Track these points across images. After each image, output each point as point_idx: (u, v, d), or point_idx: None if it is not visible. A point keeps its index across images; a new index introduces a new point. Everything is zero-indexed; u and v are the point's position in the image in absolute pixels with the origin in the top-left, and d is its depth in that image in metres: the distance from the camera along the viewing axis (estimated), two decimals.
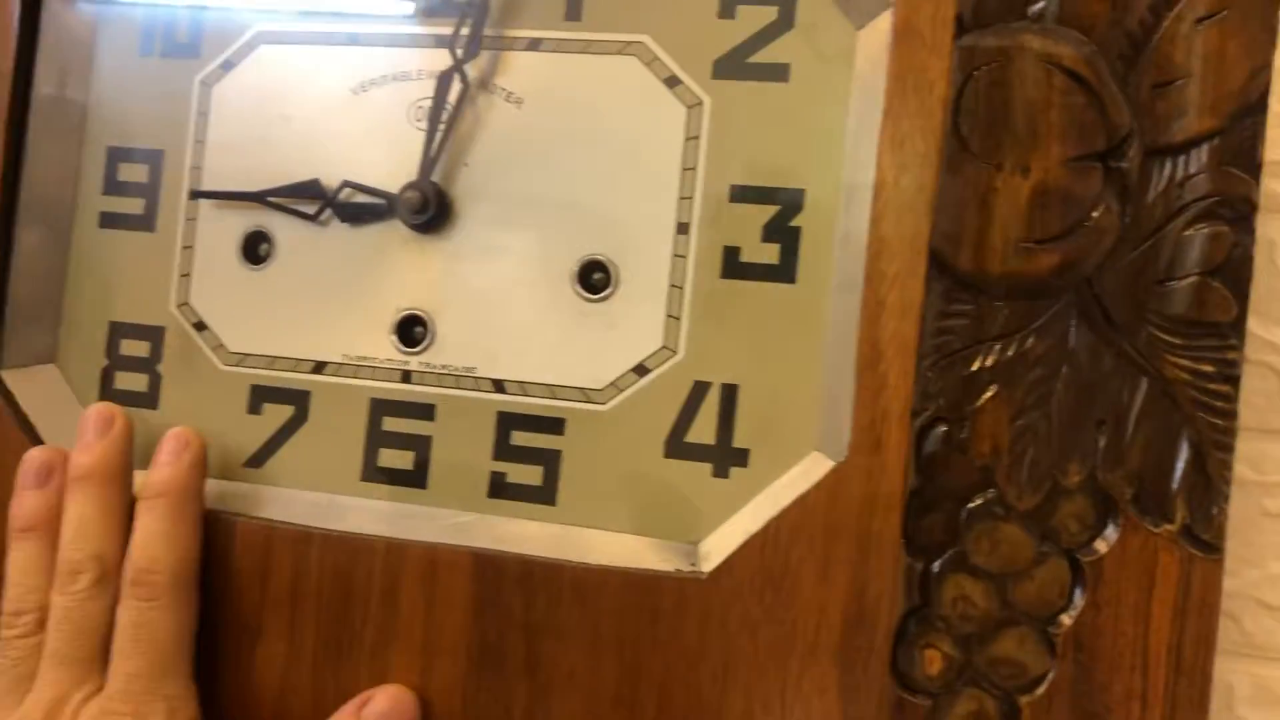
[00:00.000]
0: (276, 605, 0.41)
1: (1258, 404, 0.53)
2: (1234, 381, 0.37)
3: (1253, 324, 0.53)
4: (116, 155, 0.46)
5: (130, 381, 0.46)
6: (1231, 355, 0.37)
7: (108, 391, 0.46)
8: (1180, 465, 0.37)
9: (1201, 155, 0.37)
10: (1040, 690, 0.37)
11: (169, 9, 0.46)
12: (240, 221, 0.45)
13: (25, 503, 0.41)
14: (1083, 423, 0.37)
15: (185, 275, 0.46)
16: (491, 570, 0.40)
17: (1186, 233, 0.37)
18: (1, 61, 0.45)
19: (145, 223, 0.46)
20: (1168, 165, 0.37)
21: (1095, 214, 0.37)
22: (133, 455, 0.42)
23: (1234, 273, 0.37)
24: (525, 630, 0.39)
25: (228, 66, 0.46)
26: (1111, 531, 0.37)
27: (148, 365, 0.46)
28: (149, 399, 0.45)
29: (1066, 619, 0.37)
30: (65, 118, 0.46)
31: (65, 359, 0.47)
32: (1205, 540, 0.37)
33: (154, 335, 0.46)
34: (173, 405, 0.45)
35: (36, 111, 0.46)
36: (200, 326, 0.45)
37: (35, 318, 0.46)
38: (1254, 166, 0.37)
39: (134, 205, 0.46)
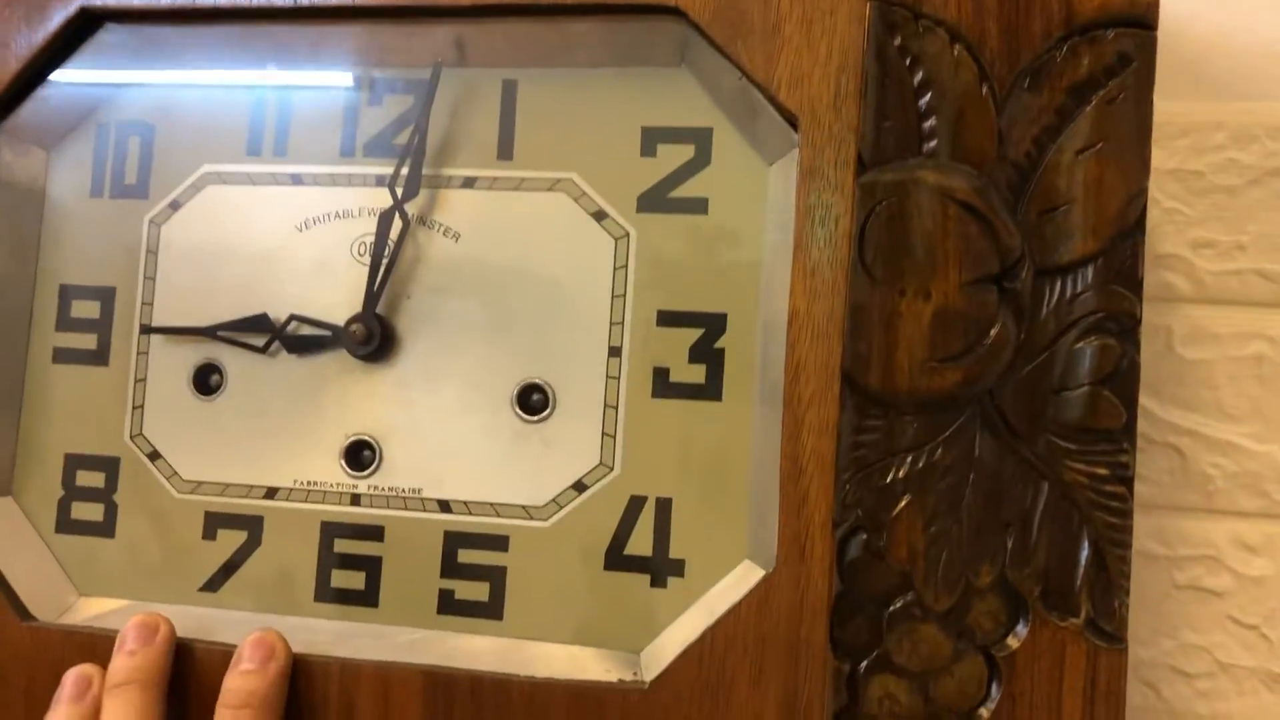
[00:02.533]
0: None
1: (1164, 482, 0.57)
2: (1128, 483, 0.40)
3: (1155, 407, 0.57)
4: (69, 293, 0.48)
5: (87, 511, 0.47)
6: (1124, 459, 0.40)
7: (65, 522, 0.47)
8: (1082, 562, 0.40)
9: (1087, 274, 0.40)
10: None
11: (118, 152, 0.48)
12: (191, 354, 0.47)
13: (61, 716, 0.41)
14: (991, 526, 0.40)
15: (138, 407, 0.47)
16: (442, 687, 0.41)
17: (1077, 346, 0.40)
18: None
19: (98, 357, 0.48)
20: (1057, 284, 0.40)
21: (993, 331, 0.40)
22: (171, 664, 0.42)
23: (1122, 381, 0.40)
24: None
25: (175, 206, 0.48)
26: (1022, 628, 0.40)
27: (104, 495, 0.47)
28: (105, 528, 0.47)
29: (985, 712, 0.39)
30: (18, 258, 0.48)
31: (21, 491, 0.48)
32: (1108, 631, 0.40)
33: (109, 466, 0.47)
34: (129, 533, 0.47)
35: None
36: (154, 456, 0.47)
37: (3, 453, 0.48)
38: (1135, 283, 0.40)
39: (87, 341, 0.48)
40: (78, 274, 0.48)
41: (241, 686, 0.41)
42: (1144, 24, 0.40)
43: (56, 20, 0.46)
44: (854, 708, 0.40)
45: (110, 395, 0.48)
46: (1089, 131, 0.40)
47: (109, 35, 0.46)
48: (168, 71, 0.48)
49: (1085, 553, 0.40)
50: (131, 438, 0.47)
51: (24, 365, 0.48)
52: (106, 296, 0.48)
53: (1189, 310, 0.58)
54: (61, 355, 0.48)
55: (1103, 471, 0.40)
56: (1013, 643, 0.40)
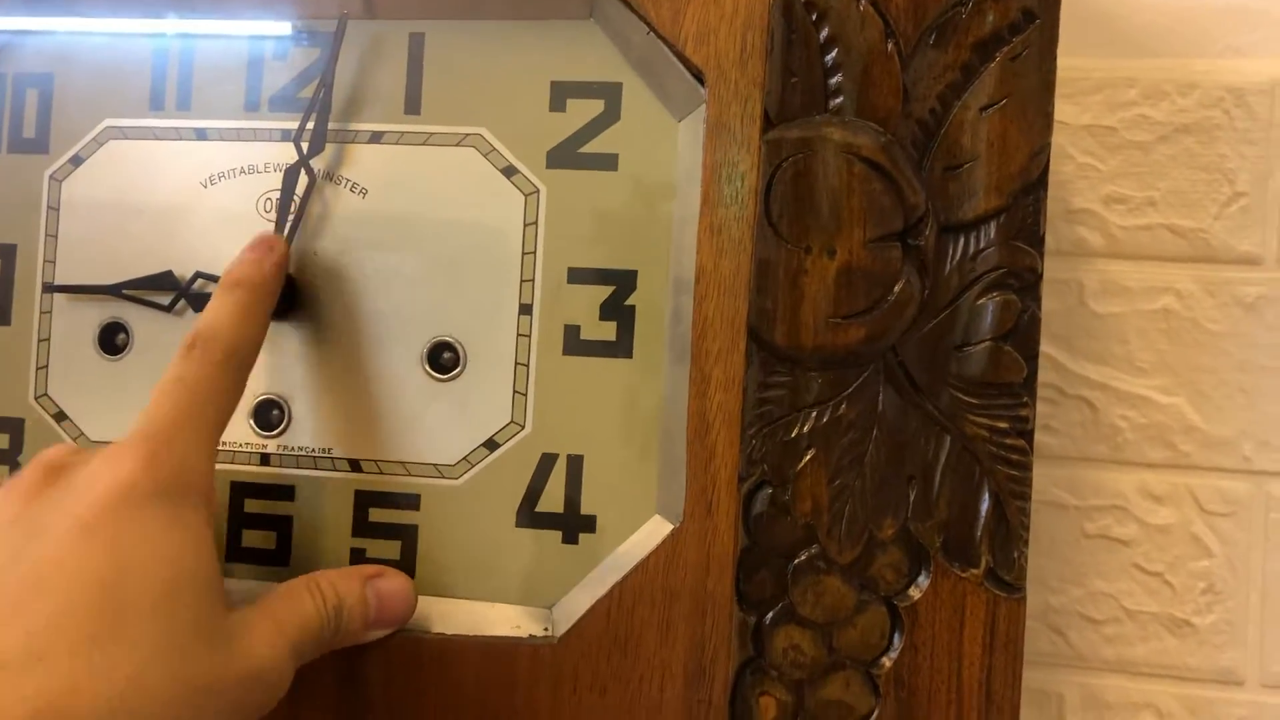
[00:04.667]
0: None
1: (1075, 434, 0.58)
2: (1028, 436, 0.41)
3: (1066, 360, 0.58)
4: None
5: None
6: (1023, 412, 0.41)
7: None
8: (983, 514, 0.41)
9: (990, 231, 0.41)
10: None
11: (15, 104, 0.47)
12: (96, 313, 0.46)
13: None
14: (894, 480, 0.41)
15: (43, 367, 0.46)
16: (353, 645, 0.41)
17: (979, 302, 0.41)
18: None
19: (0, 317, 0.47)
20: (961, 241, 0.41)
21: (896, 288, 0.40)
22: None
23: (1023, 336, 0.41)
24: (387, 704, 0.41)
25: (77, 161, 0.47)
26: (924, 579, 0.40)
27: (8, 457, 0.46)
28: None
29: (887, 661, 0.40)
30: None
31: None
32: (1007, 581, 0.41)
33: (14, 427, 0.46)
34: None
35: None
36: (60, 417, 0.46)
37: None
38: (1037, 239, 0.41)
39: None
40: None
41: (238, 272, 0.41)
42: None
43: None
44: (759, 659, 0.40)
45: (13, 355, 0.47)
46: (993, 88, 0.40)
47: None
48: (66, 19, 0.47)
49: (986, 505, 0.41)
50: (36, 398, 0.46)
51: None
52: (7, 254, 0.47)
53: (1101, 265, 0.59)
54: None
55: (1003, 425, 0.41)
56: (914, 594, 0.40)
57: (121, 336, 0.46)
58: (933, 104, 0.41)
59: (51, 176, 0.47)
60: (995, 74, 0.41)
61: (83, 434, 0.46)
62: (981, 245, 0.41)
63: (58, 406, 0.46)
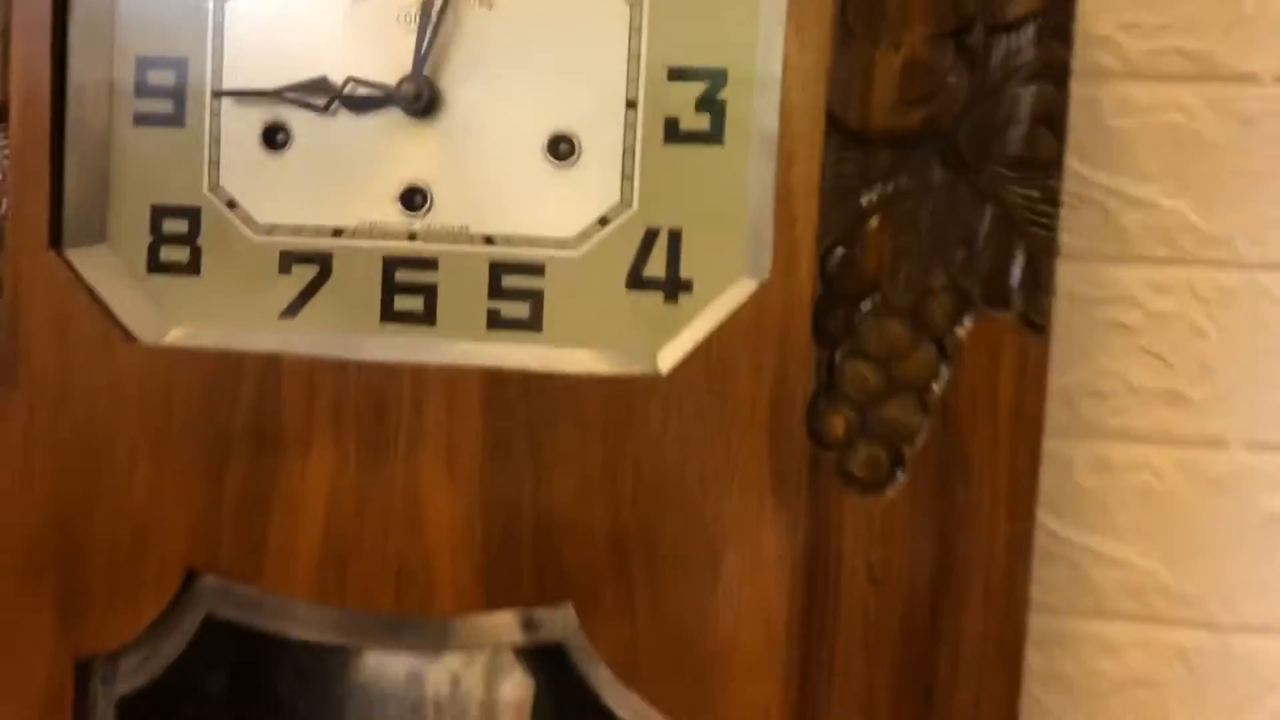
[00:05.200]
0: (323, 423, 0.52)
1: (1090, 233, 0.67)
2: (1055, 203, 0.49)
3: (1085, 170, 0.66)
4: (145, 64, 0.55)
5: (174, 254, 0.55)
6: (1053, 184, 0.49)
7: (154, 264, 0.55)
8: (1017, 269, 0.49)
9: (1029, 30, 0.49)
10: (919, 441, 0.49)
11: None
12: (259, 115, 0.54)
13: None
14: (945, 240, 0.49)
15: (214, 162, 0.55)
16: (498, 383, 0.50)
17: (1018, 90, 0.49)
18: None
19: (175, 120, 0.55)
20: (1004, 40, 0.49)
21: (950, 79, 0.48)
22: None
23: (1055, 121, 0.49)
24: (528, 426, 0.50)
25: None
26: (968, 321, 0.49)
27: (188, 240, 0.55)
28: (192, 267, 0.55)
29: (936, 388, 0.49)
30: (98, 35, 0.54)
31: (115, 239, 0.55)
32: (1036, 324, 0.49)
33: (192, 214, 0.55)
34: (212, 271, 0.55)
35: (74, 30, 0.54)
36: (232, 205, 0.55)
37: (87, 206, 0.55)
38: (1068, 38, 0.49)
39: (164, 105, 0.55)
40: (152, 47, 0.55)
41: None
42: None
43: None
44: (832, 388, 0.49)
45: (188, 154, 0.55)
46: None
47: None
48: None
49: (1019, 261, 0.49)
50: (210, 189, 0.55)
51: (108, 129, 0.55)
52: (179, 66, 0.55)
53: (1115, 85, 0.66)
54: (142, 119, 0.55)
55: (1035, 194, 0.49)
56: (960, 333, 0.49)
57: (281, 135, 0.54)
58: None
59: None
60: None
61: (252, 219, 0.54)
62: (1021, 44, 0.49)
63: (229, 195, 0.55)
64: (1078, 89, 0.66)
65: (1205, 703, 0.68)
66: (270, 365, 0.52)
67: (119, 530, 0.54)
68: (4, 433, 0.55)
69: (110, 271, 0.55)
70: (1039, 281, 0.49)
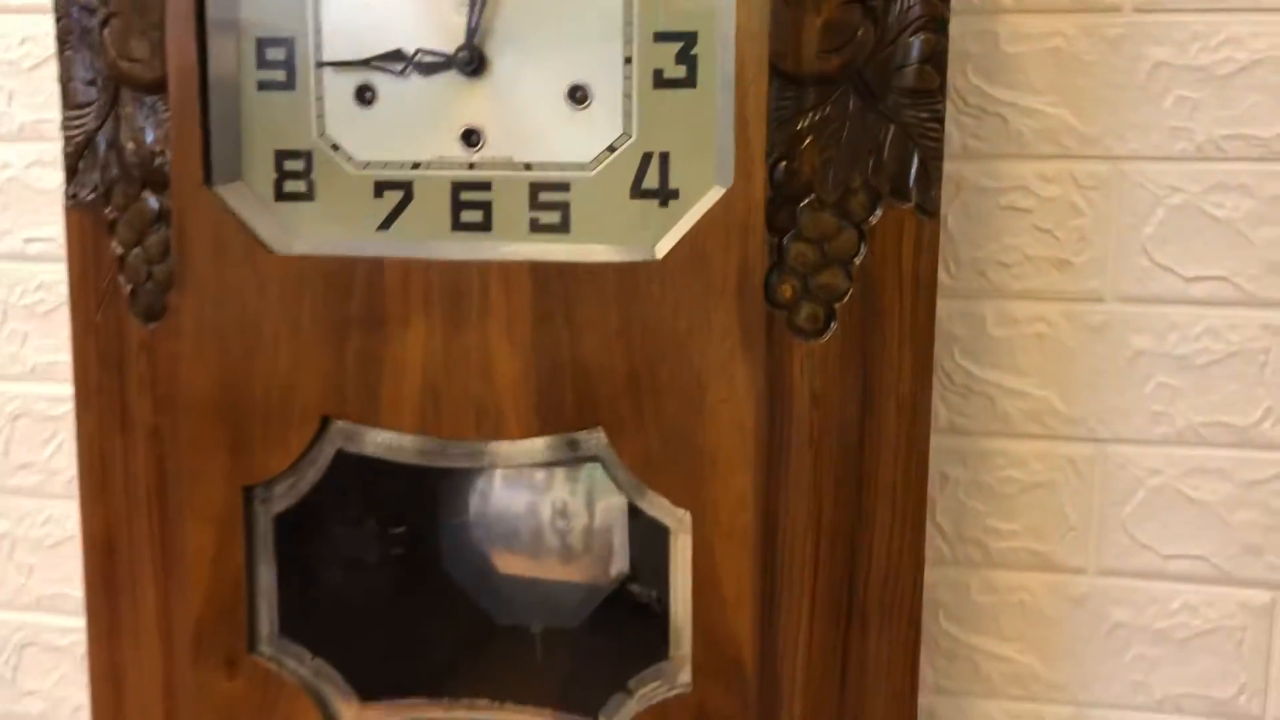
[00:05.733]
0: (415, 306, 0.71)
1: (991, 137, 0.85)
2: (940, 121, 0.67)
3: (986, 87, 0.84)
4: (263, 43, 0.73)
5: (294, 186, 0.74)
6: (938, 107, 0.67)
7: (280, 194, 0.74)
8: (913, 170, 0.68)
9: None
10: (846, 299, 0.68)
11: None
12: (351, 79, 0.73)
13: None
14: (860, 152, 0.68)
15: (320, 116, 0.73)
16: (541, 271, 0.70)
17: (910, 39, 0.67)
18: None
19: (288, 85, 0.73)
20: (898, 1, 0.67)
21: (859, 33, 0.66)
22: None
23: (937, 60, 0.67)
24: (564, 301, 0.70)
25: None
26: (879, 210, 0.68)
27: (304, 175, 0.74)
28: (308, 195, 0.74)
29: (857, 261, 0.68)
30: (227, 23, 0.73)
31: (249, 176, 0.75)
32: (929, 210, 0.68)
33: (306, 156, 0.74)
34: (324, 197, 0.74)
35: (210, 21, 0.72)
36: (335, 147, 0.73)
37: (225, 153, 0.74)
38: None
39: (279, 74, 0.73)
40: (268, 29, 0.73)
41: None
42: None
43: None
44: (781, 264, 0.69)
45: (300, 110, 0.73)
46: None
47: None
48: None
49: (915, 165, 0.68)
50: (318, 136, 0.74)
51: (238, 94, 0.74)
52: (289, 43, 0.73)
53: (1010, 18, 0.84)
54: (263, 85, 0.74)
55: (926, 115, 0.67)
56: (873, 220, 0.68)
57: (369, 93, 0.73)
58: None
59: None
60: None
61: (351, 157, 0.73)
62: (911, 2, 0.67)
63: (333, 140, 0.73)
64: (981, 22, 0.84)
65: (1090, 499, 0.88)
66: (375, 266, 0.71)
67: (270, 390, 0.74)
68: (179, 324, 0.75)
69: (246, 201, 0.74)
70: (929, 179, 0.68)
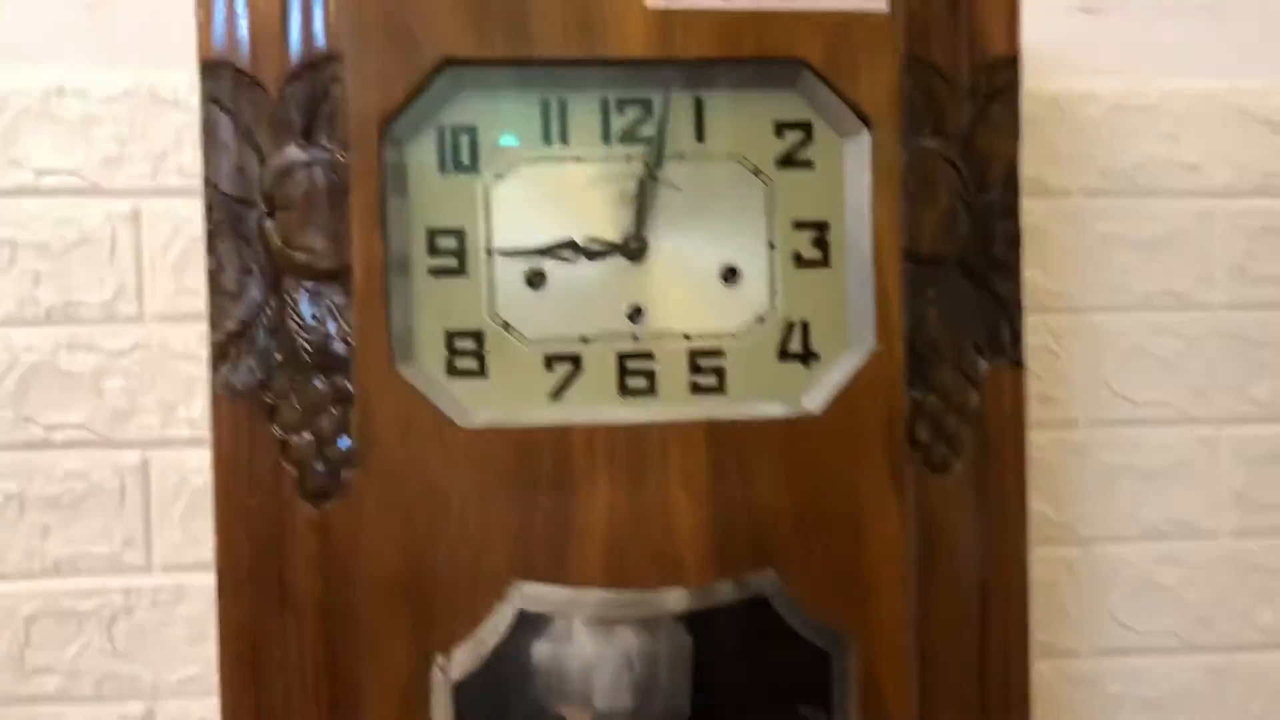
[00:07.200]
0: (601, 467, 0.78)
1: None
2: (1019, 291, 0.84)
3: None
4: (434, 233, 0.79)
5: (466, 364, 0.79)
6: (1018, 280, 0.84)
7: (452, 371, 0.79)
8: (1006, 331, 0.83)
9: (999, 185, 0.83)
10: (967, 440, 0.82)
11: (453, 144, 0.79)
12: (521, 265, 0.80)
13: None
14: (965, 318, 0.83)
15: (491, 298, 0.80)
16: (715, 429, 0.79)
17: (995, 224, 0.83)
18: (372, 193, 0.76)
19: (459, 271, 0.79)
20: (987, 193, 0.83)
21: (961, 221, 0.82)
22: None
23: (1014, 241, 0.84)
24: (736, 454, 0.79)
25: (498, 177, 0.79)
26: (983, 364, 0.83)
27: (475, 353, 0.79)
28: (481, 372, 0.79)
29: (973, 408, 0.83)
30: (399, 215, 0.78)
31: (420, 356, 0.79)
32: (1019, 363, 0.84)
33: (477, 335, 0.79)
34: (496, 373, 0.80)
35: (388, 211, 0.77)
36: (506, 326, 0.80)
37: (401, 334, 0.78)
38: (1016, 191, 0.84)
39: (450, 261, 0.79)
40: (437, 220, 0.79)
41: None
42: None
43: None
44: (916, 413, 0.82)
45: (472, 293, 0.79)
46: None
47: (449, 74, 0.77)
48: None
49: (1007, 326, 0.84)
50: (489, 316, 0.80)
51: (411, 280, 0.79)
52: (459, 234, 0.79)
53: None
54: (434, 271, 0.79)
55: (1011, 287, 0.84)
56: (982, 373, 0.83)
57: (537, 277, 0.80)
58: None
59: (483, 186, 0.79)
60: None
61: (523, 335, 0.80)
62: (994, 196, 0.83)
63: (504, 319, 0.80)
64: None
65: (1081, 589, 1.06)
66: (561, 433, 0.78)
67: (456, 558, 0.77)
68: (358, 502, 0.77)
69: (422, 379, 0.78)
70: (1016, 337, 0.84)
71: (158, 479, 0.97)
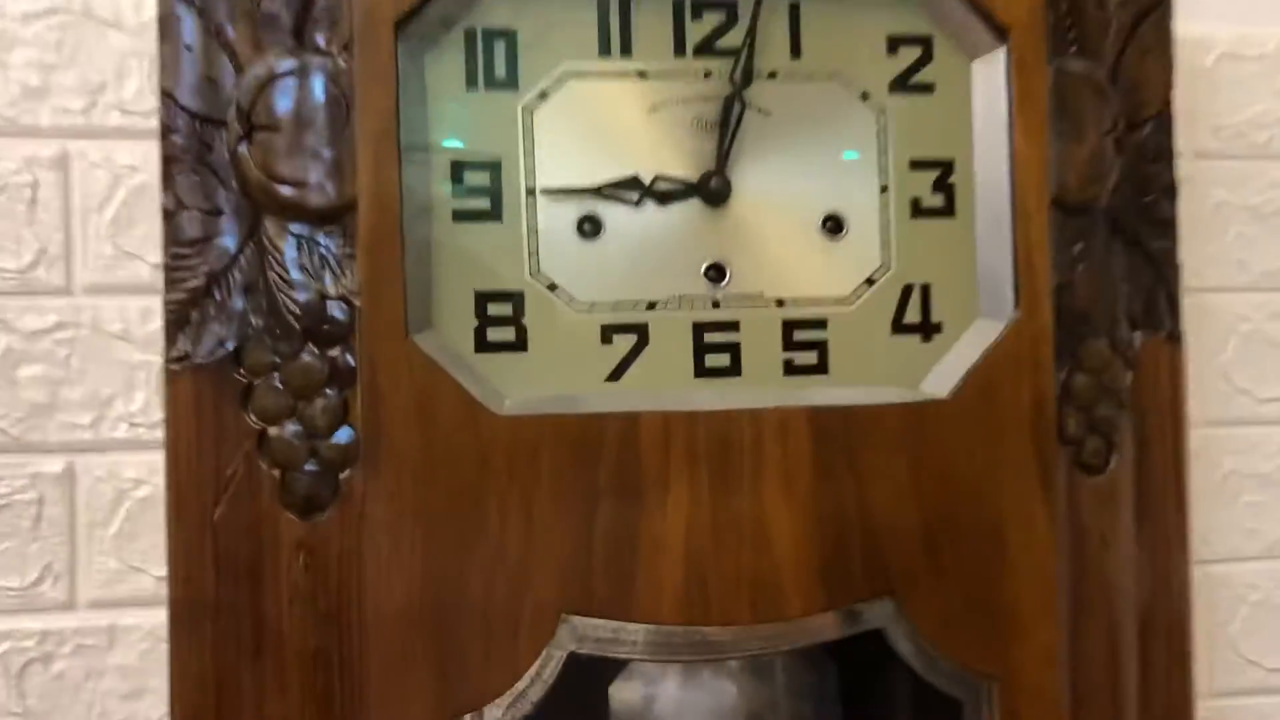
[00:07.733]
0: (678, 468, 0.60)
1: None
2: (1175, 250, 0.68)
3: None
4: (460, 166, 0.61)
5: (500, 334, 0.61)
6: (1174, 237, 0.68)
7: (481, 344, 0.61)
8: (1162, 298, 0.68)
9: (1150, 125, 0.68)
10: (1121, 431, 0.66)
11: (485, 51, 0.61)
12: (571, 209, 0.62)
13: None
14: (1116, 282, 0.67)
15: (533, 253, 0.62)
16: (822, 418, 0.61)
17: (1151, 169, 0.67)
18: (385, 110, 0.58)
19: (493, 215, 0.61)
20: (1138, 132, 0.67)
21: (1113, 163, 0.66)
22: None
23: (1171, 192, 0.68)
24: (846, 450, 0.62)
25: (543, 96, 0.62)
26: (1138, 339, 0.67)
27: (513, 320, 0.61)
28: (519, 345, 0.61)
29: (1126, 391, 0.67)
30: (417, 143, 0.60)
31: (441, 324, 0.61)
32: (1176, 337, 0.68)
33: (515, 298, 0.61)
34: (538, 346, 0.62)
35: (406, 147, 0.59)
36: (553, 287, 0.62)
37: (419, 297, 0.60)
38: (1170, 133, 0.68)
39: (481, 202, 0.61)
40: (466, 150, 0.61)
41: None
42: None
43: None
44: (1066, 398, 0.65)
45: (508, 245, 0.61)
46: None
47: None
48: None
49: (1163, 293, 0.68)
50: (531, 275, 0.62)
51: (430, 225, 0.61)
52: (494, 168, 0.61)
53: None
54: (461, 214, 0.61)
55: (1167, 245, 0.68)
56: (1135, 349, 0.67)
57: (589, 225, 0.62)
58: None
59: (523, 108, 0.62)
60: None
61: (573, 298, 0.62)
62: (1148, 133, 0.68)
63: (550, 279, 0.62)
64: None
65: (1196, 619, 0.90)
66: (629, 421, 0.60)
67: (493, 588, 0.59)
68: (363, 513, 0.58)
69: (442, 355, 0.60)
70: (1174, 306, 0.68)
71: (86, 492, 0.77)
